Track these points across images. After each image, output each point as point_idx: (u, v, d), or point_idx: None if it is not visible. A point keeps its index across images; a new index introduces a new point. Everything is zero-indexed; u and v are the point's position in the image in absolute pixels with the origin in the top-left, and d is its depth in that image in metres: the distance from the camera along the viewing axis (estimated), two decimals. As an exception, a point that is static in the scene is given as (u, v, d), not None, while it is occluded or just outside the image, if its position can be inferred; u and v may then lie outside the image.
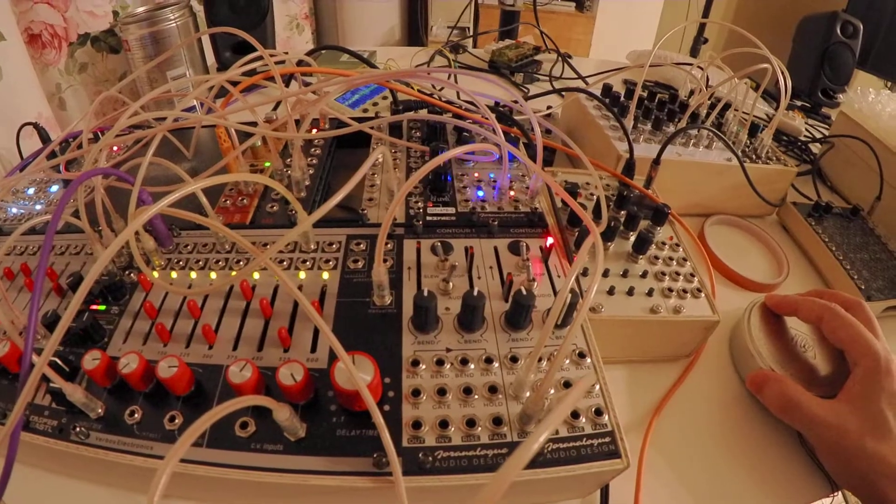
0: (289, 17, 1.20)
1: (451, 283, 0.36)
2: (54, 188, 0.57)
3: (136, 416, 0.31)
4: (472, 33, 1.51)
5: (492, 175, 0.48)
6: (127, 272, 0.40)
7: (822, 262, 0.57)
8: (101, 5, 0.74)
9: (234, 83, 0.46)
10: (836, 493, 0.38)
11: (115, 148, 0.59)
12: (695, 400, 0.43)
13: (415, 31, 1.50)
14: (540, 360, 0.32)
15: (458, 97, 0.70)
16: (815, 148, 0.78)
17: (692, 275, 0.44)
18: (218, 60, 0.81)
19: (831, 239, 0.58)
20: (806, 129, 0.82)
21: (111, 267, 0.40)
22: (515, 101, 0.46)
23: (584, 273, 0.41)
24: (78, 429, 0.31)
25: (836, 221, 0.61)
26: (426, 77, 0.39)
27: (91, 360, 0.31)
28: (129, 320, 0.36)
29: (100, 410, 0.31)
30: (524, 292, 0.32)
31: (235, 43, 0.78)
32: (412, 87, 0.56)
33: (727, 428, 0.41)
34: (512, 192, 0.46)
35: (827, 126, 0.87)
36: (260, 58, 0.45)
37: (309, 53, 0.52)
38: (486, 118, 0.40)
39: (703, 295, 0.43)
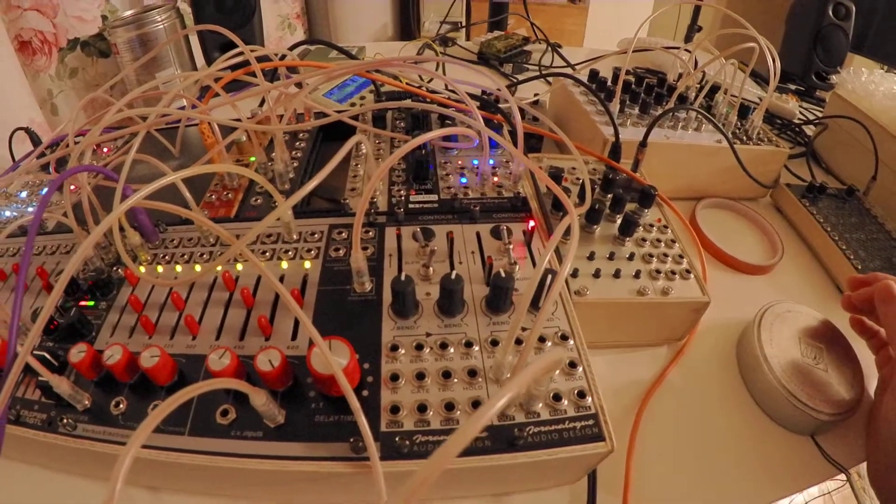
0: (280, 17, 1.20)
1: (431, 269, 0.36)
2: (45, 190, 0.57)
3: (121, 406, 0.31)
4: (463, 26, 1.50)
5: (475, 162, 0.48)
6: (115, 268, 0.40)
7: (817, 242, 0.56)
8: (90, 10, 0.75)
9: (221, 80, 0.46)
10: (836, 477, 0.38)
11: (105, 149, 0.60)
12: (687, 383, 0.42)
13: (407, 27, 1.50)
14: (519, 342, 0.32)
15: (446, 88, 0.70)
16: (810, 130, 0.77)
17: (681, 256, 0.44)
18: (207, 62, 0.81)
19: (826, 219, 0.57)
20: (800, 112, 0.81)
21: (99, 263, 0.41)
22: (499, 89, 0.46)
23: (590, 257, 0.41)
24: (65, 421, 0.31)
25: (831, 202, 0.60)
26: (407, 66, 0.39)
27: (77, 352, 0.32)
28: (116, 315, 0.37)
29: (86, 402, 0.31)
30: (503, 275, 0.32)
31: (224, 43, 0.79)
32: (400, 80, 0.55)
33: (720, 412, 0.41)
34: (495, 178, 0.46)
35: (821, 109, 0.86)
36: (242, 54, 0.45)
37: (292, 48, 0.52)
38: (466, 105, 0.39)
39: (692, 276, 0.42)
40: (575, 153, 0.45)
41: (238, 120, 0.43)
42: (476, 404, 0.29)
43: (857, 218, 0.58)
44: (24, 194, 0.57)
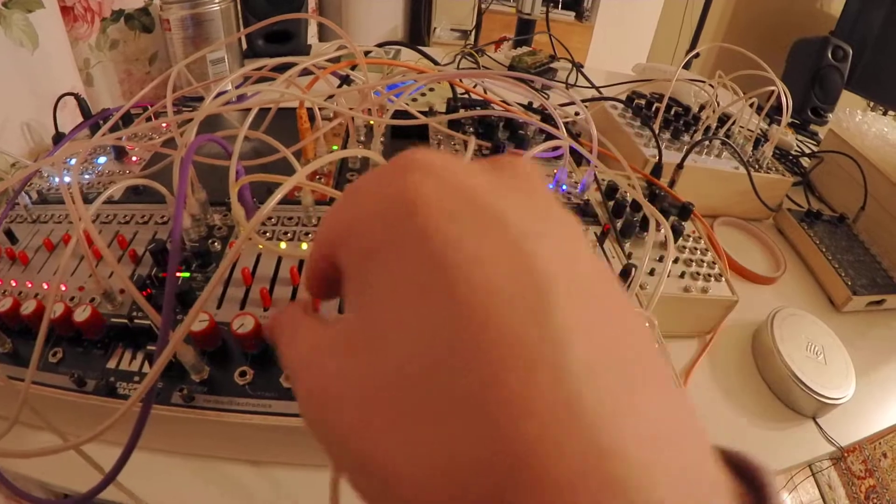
0: (301, 8, 1.21)
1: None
2: (102, 159, 0.58)
3: (247, 376, 0.32)
4: (473, 37, 1.55)
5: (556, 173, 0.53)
6: (211, 241, 0.42)
7: (813, 261, 0.64)
8: (137, -17, 0.75)
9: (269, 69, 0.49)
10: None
11: (164, 125, 0.61)
12: (713, 369, 0.49)
13: (416, 31, 1.53)
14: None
15: (485, 92, 0.74)
16: (805, 161, 0.86)
17: (714, 262, 0.50)
18: (250, 47, 0.83)
19: (821, 241, 0.65)
20: (797, 144, 0.90)
21: (195, 235, 0.42)
22: (573, 104, 0.51)
23: (629, 257, 0.47)
24: (185, 391, 0.31)
25: (825, 227, 0.68)
26: (500, 78, 0.43)
27: (199, 322, 0.32)
28: (219, 287, 0.38)
29: (205, 374, 0.32)
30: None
31: (270, 32, 0.80)
32: (486, 91, 0.59)
33: (738, 393, 0.47)
34: (564, 187, 0.51)
35: (814, 142, 0.95)
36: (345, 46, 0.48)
37: (380, 46, 0.55)
38: (556, 126, 0.44)
39: (723, 279, 0.49)
40: (628, 170, 0.51)
41: (331, 99, 0.46)
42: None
43: (847, 242, 0.66)
44: (73, 161, 0.57)
